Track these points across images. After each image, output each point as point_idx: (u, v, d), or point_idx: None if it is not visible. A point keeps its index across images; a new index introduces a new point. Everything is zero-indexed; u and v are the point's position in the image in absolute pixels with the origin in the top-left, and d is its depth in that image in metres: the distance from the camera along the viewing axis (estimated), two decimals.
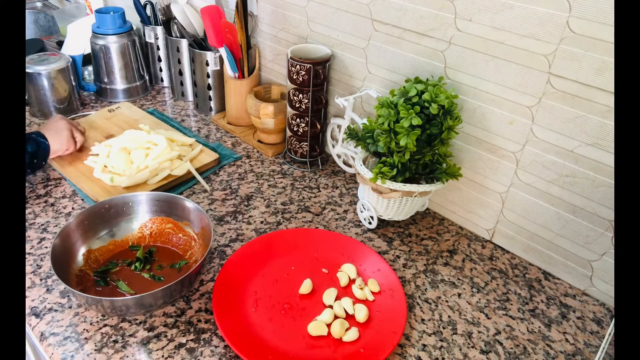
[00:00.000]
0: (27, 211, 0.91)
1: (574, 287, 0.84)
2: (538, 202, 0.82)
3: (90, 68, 1.40)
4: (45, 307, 0.73)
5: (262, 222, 0.93)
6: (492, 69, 0.79)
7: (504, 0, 0.73)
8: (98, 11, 1.26)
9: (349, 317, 0.73)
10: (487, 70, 0.79)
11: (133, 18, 1.35)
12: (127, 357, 0.66)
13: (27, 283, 0.76)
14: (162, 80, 1.43)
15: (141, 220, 0.84)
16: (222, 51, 1.13)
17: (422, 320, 0.75)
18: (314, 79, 0.99)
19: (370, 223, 0.92)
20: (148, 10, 1.33)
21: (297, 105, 1.03)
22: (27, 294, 0.74)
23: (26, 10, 1.79)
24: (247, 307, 0.74)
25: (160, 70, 1.41)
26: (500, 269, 0.86)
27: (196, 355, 0.67)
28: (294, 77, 1.00)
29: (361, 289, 0.77)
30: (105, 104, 1.31)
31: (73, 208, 0.93)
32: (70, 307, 0.73)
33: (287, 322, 0.72)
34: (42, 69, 1.15)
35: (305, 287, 0.77)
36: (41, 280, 0.77)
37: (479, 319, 0.76)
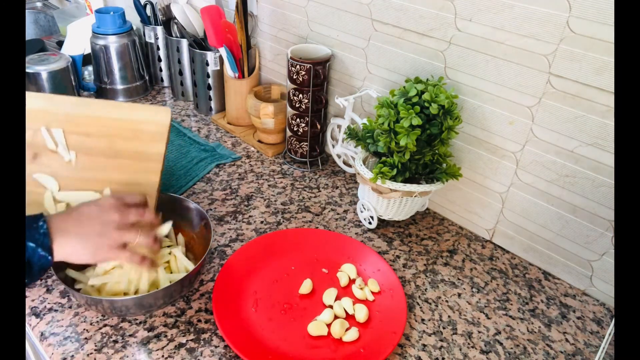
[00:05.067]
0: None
1: (574, 287, 0.84)
2: (538, 202, 0.82)
3: (90, 68, 1.40)
4: (45, 307, 0.73)
5: (262, 222, 0.92)
6: (492, 69, 0.79)
7: (504, 0, 0.73)
8: (98, 11, 1.26)
9: (349, 317, 0.73)
10: (487, 70, 0.79)
11: (133, 18, 1.35)
12: (127, 357, 0.66)
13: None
14: (162, 80, 1.43)
15: None
16: (222, 51, 1.13)
17: (422, 320, 0.75)
18: (314, 79, 0.99)
19: (370, 223, 0.92)
20: (148, 10, 1.33)
21: (297, 105, 1.03)
22: (27, 294, 0.74)
23: (26, 10, 1.79)
24: (247, 307, 0.74)
25: (160, 70, 1.41)
26: (500, 269, 0.86)
27: (196, 355, 0.67)
28: (294, 77, 1.00)
29: (361, 289, 0.77)
30: None
31: None
32: (70, 307, 0.73)
33: (287, 322, 0.72)
34: (42, 69, 1.15)
35: (305, 287, 0.77)
36: (41, 280, 0.77)
37: (479, 319, 0.76)
